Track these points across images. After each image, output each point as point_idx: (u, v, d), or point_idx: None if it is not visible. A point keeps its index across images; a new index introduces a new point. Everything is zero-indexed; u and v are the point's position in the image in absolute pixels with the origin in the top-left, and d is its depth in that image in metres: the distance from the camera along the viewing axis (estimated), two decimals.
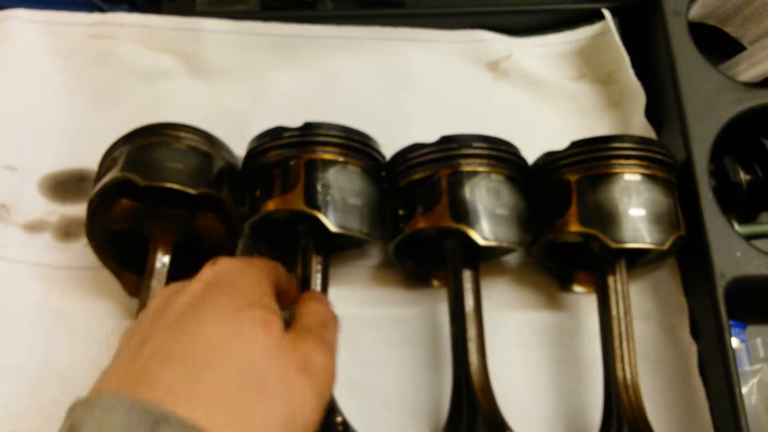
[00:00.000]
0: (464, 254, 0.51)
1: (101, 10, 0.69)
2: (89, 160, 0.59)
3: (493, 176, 0.51)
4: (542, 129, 0.63)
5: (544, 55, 0.66)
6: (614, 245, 0.49)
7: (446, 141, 0.52)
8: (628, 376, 0.47)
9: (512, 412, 0.49)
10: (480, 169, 0.51)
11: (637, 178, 0.50)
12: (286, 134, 0.52)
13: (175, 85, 0.66)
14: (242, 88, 0.66)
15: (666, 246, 0.49)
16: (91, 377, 0.53)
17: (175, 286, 0.43)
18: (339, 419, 0.47)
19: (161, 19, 0.67)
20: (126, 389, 0.36)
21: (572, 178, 0.51)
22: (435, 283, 0.57)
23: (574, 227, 0.50)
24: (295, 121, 0.63)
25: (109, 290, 0.56)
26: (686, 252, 0.54)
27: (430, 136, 0.53)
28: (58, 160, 0.62)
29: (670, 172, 0.52)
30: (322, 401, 0.40)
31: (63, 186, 0.62)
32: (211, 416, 0.35)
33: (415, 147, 0.53)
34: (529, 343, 0.56)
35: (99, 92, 0.65)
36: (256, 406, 0.36)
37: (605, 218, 0.49)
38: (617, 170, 0.50)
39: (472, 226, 0.49)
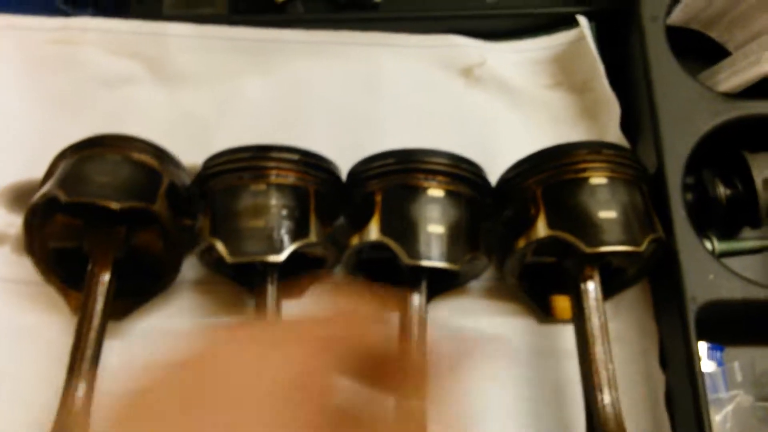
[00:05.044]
0: (410, 276, 0.49)
1: (66, 14, 0.67)
2: None
3: (431, 192, 0.48)
4: (515, 138, 0.60)
5: (519, 61, 0.63)
6: (588, 249, 0.45)
7: (381, 157, 0.50)
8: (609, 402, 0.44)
9: None
10: (416, 183, 0.48)
11: (604, 181, 0.47)
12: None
13: (139, 92, 0.64)
14: (208, 95, 0.64)
15: (642, 247, 0.46)
16: (46, 395, 0.52)
17: None
18: None
19: (125, 24, 0.65)
20: None
21: (537, 188, 0.48)
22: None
23: (545, 232, 0.47)
24: (262, 130, 0.61)
25: (58, 306, 0.54)
26: (658, 274, 0.52)
27: (401, 145, 0.51)
28: (19, 170, 0.61)
29: (640, 178, 0.49)
30: None
31: (24, 197, 0.59)
32: None
33: (365, 161, 0.51)
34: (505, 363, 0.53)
35: (61, 99, 0.64)
36: None
37: (577, 223, 0.46)
38: (583, 175, 0.47)
39: (399, 242, 0.46)
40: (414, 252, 0.46)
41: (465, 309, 0.54)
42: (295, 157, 0.50)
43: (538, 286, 0.53)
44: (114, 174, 0.48)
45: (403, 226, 0.47)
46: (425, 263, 0.46)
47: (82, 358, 0.47)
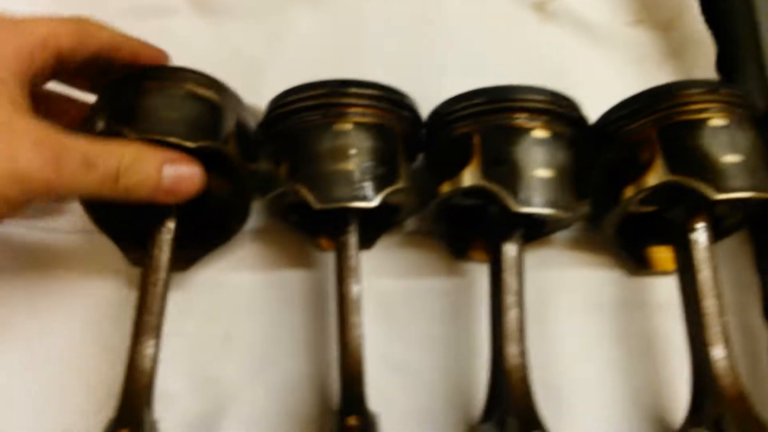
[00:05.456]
0: (506, 225, 0.45)
1: None
2: None
3: (536, 132, 0.44)
4: (595, 79, 0.56)
5: None
6: (716, 196, 0.41)
7: (474, 95, 0.45)
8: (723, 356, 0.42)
9: (573, 391, 0.47)
10: (519, 124, 0.44)
11: (725, 122, 0.43)
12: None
13: (177, 24, 0.59)
14: (254, 29, 0.59)
15: None
16: (93, 357, 0.48)
17: None
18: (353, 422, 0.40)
19: None
20: None
21: (652, 130, 0.44)
22: (475, 257, 0.51)
23: (664, 178, 0.43)
24: (315, 68, 0.56)
25: (109, 258, 0.49)
26: (761, 224, 0.49)
27: (466, 86, 0.46)
28: None
29: (756, 120, 0.45)
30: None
31: None
32: None
33: (454, 100, 0.46)
34: (592, 317, 0.50)
35: None
36: None
37: (701, 168, 0.42)
38: (702, 116, 0.43)
39: (506, 188, 0.42)
40: (521, 198, 0.42)
41: (551, 260, 0.51)
42: (379, 93, 0.45)
43: (631, 237, 0.50)
44: (182, 110, 0.43)
45: (507, 171, 0.43)
46: (533, 210, 0.42)
47: (150, 313, 0.42)
